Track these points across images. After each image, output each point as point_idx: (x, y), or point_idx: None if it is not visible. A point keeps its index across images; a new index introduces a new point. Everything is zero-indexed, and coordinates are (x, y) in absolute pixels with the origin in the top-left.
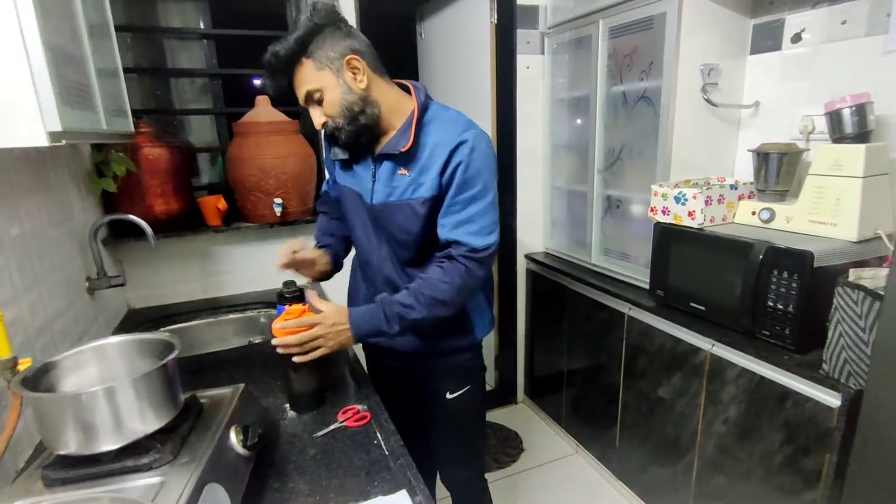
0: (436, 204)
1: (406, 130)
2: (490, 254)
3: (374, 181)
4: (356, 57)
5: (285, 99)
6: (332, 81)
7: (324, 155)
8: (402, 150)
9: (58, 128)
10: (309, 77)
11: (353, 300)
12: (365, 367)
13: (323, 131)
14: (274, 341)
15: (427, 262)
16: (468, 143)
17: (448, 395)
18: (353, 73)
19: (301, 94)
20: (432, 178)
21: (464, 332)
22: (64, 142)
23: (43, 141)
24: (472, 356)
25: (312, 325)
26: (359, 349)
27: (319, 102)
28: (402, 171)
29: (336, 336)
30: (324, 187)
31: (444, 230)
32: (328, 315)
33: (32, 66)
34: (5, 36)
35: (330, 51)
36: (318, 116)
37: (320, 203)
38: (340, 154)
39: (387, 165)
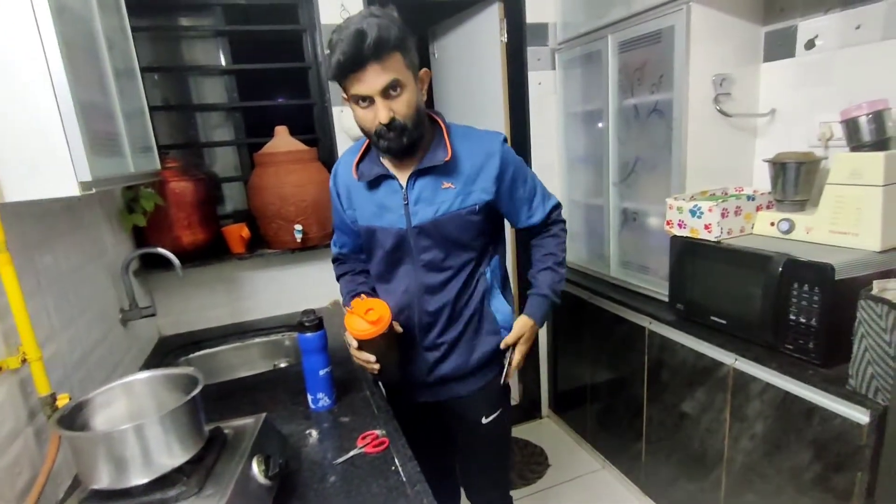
0: (491, 207)
1: (440, 144)
2: None
3: (407, 203)
4: (428, 72)
5: (302, 128)
6: (412, 83)
7: (333, 203)
8: (445, 159)
9: (88, 178)
10: (398, 68)
11: None
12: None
13: (332, 179)
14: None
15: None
16: (503, 144)
17: (483, 420)
18: (422, 86)
19: (383, 81)
20: (486, 184)
21: (490, 331)
22: (94, 190)
23: (75, 191)
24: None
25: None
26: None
27: (395, 97)
28: (447, 184)
29: (531, 336)
30: (334, 250)
31: (537, 215)
32: (520, 327)
33: (65, 123)
34: (40, 95)
35: (414, 56)
36: (385, 110)
37: (338, 266)
38: (370, 173)
39: (426, 183)
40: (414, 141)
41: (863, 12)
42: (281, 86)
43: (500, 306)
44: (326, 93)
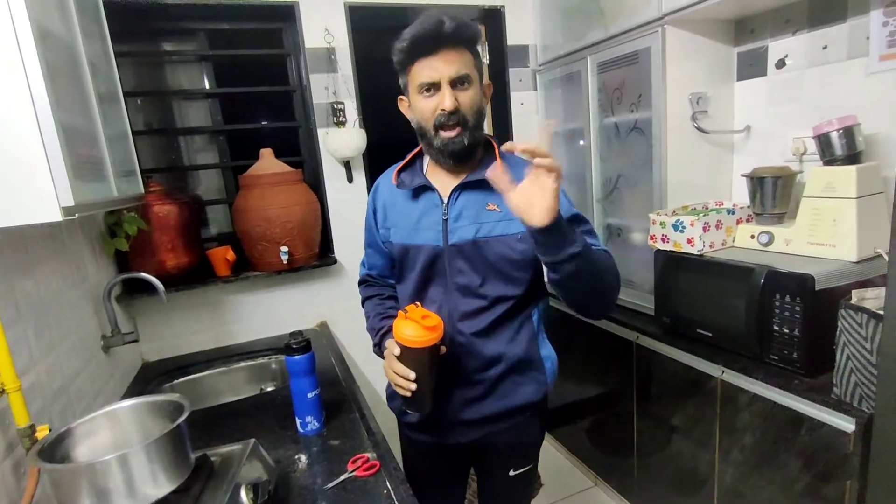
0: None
1: (490, 160)
2: None
3: (446, 219)
4: (491, 85)
5: (287, 150)
6: (478, 86)
7: (368, 220)
8: None
9: (71, 203)
10: (469, 65)
11: None
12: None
13: (371, 195)
14: (544, 161)
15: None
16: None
17: (511, 473)
18: (485, 95)
19: (455, 69)
20: None
21: (535, 378)
22: (77, 215)
23: (57, 216)
24: (540, 424)
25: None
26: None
27: (462, 90)
28: (492, 206)
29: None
30: (362, 271)
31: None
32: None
33: (47, 147)
34: (22, 119)
35: (482, 64)
36: (451, 97)
37: (365, 288)
38: (411, 183)
39: (469, 199)
40: (473, 145)
41: (828, 33)
42: (266, 109)
43: (549, 354)
44: (311, 115)
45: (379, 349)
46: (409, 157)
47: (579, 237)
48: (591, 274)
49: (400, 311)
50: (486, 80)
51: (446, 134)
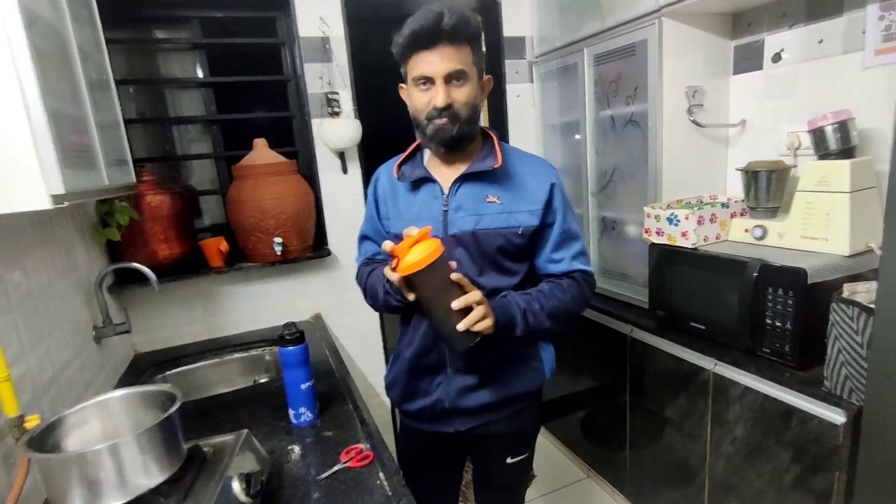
0: (532, 236)
1: (490, 152)
2: None
3: (446, 211)
4: (491, 80)
5: (281, 140)
6: (475, 81)
7: (369, 210)
8: (495, 166)
9: (61, 191)
10: (466, 61)
11: (397, 359)
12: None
13: (372, 186)
14: (455, 304)
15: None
16: (557, 174)
17: (509, 460)
18: (483, 90)
19: (450, 66)
20: (533, 209)
21: (533, 367)
22: (66, 203)
23: (46, 204)
24: (537, 413)
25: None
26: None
27: (456, 86)
28: (492, 198)
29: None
30: (358, 259)
31: (564, 263)
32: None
33: (35, 134)
34: (9, 105)
35: (482, 59)
36: (443, 94)
37: (363, 268)
38: (412, 175)
39: (469, 191)
40: (464, 136)
41: (824, 27)
42: (259, 99)
43: (547, 345)
44: (306, 105)
45: (391, 284)
46: (409, 150)
47: (520, 319)
48: (549, 325)
49: (392, 248)
50: (485, 74)
51: (437, 121)
